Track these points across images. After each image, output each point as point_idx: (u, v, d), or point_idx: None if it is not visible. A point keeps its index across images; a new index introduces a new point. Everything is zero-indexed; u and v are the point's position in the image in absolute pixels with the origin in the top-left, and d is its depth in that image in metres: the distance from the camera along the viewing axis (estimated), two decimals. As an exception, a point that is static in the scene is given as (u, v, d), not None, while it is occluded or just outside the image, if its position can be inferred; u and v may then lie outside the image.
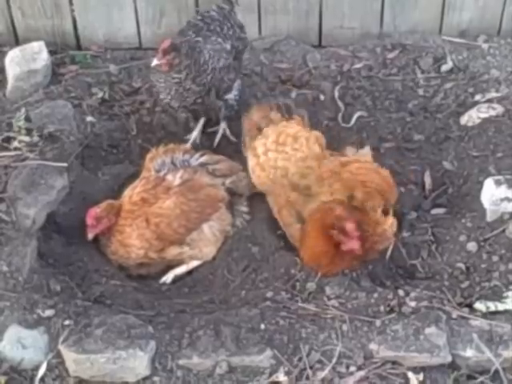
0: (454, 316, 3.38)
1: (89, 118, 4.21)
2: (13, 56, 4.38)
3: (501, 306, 3.40)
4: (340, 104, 4.40)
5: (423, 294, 3.48)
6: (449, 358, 3.24)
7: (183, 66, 3.77)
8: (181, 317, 3.47)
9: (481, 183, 3.81)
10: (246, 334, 3.32)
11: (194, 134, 4.21)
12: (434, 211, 3.98)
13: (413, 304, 3.43)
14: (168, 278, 3.82)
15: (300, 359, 3.28)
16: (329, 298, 3.50)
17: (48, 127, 4.01)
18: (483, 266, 3.60)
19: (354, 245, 3.46)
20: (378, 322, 3.36)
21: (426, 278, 3.67)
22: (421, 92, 4.44)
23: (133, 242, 3.72)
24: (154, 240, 3.72)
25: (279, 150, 3.79)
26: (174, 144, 4.01)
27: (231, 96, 4.10)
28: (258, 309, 3.45)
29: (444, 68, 4.50)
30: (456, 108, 4.33)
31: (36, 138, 3.95)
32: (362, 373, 3.24)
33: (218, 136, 4.21)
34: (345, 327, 3.36)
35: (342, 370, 3.25)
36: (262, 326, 3.36)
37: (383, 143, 4.26)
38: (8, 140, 3.95)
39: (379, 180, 3.71)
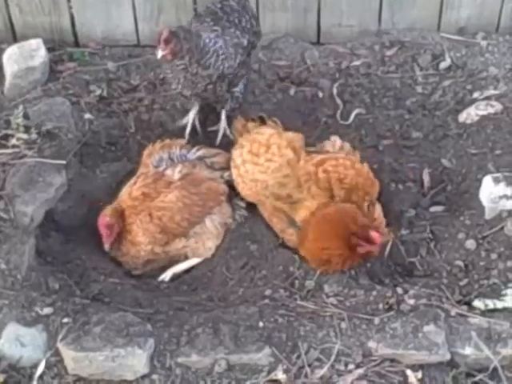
0: (453, 314, 3.38)
1: (87, 116, 4.20)
2: (10, 53, 4.35)
3: (499, 304, 3.41)
4: (338, 101, 4.38)
5: (422, 292, 3.48)
6: (447, 356, 3.24)
7: (185, 51, 3.75)
8: (179, 315, 3.47)
9: (479, 181, 3.80)
10: (244, 331, 3.32)
11: (188, 129, 4.20)
12: (433, 209, 3.97)
13: (411, 302, 3.43)
14: (166, 275, 3.82)
15: (298, 357, 3.28)
16: (327, 296, 3.50)
17: (46, 124, 4.00)
18: (482, 263, 3.60)
19: (374, 248, 3.48)
20: (376, 320, 3.36)
21: (424, 275, 3.67)
22: (419, 89, 4.43)
23: (140, 240, 3.72)
24: (158, 234, 3.72)
25: (254, 161, 3.76)
26: (171, 139, 4.01)
27: (237, 89, 4.09)
28: (257, 307, 3.45)
29: (442, 65, 4.48)
30: (454, 105, 4.32)
31: (34, 136, 3.95)
32: (360, 371, 3.24)
33: (220, 135, 4.19)
34: (343, 325, 3.36)
35: (341, 367, 3.25)
36: (261, 324, 3.36)
37: (381, 140, 4.25)
38: (6, 137, 3.94)
39: (356, 175, 3.65)
